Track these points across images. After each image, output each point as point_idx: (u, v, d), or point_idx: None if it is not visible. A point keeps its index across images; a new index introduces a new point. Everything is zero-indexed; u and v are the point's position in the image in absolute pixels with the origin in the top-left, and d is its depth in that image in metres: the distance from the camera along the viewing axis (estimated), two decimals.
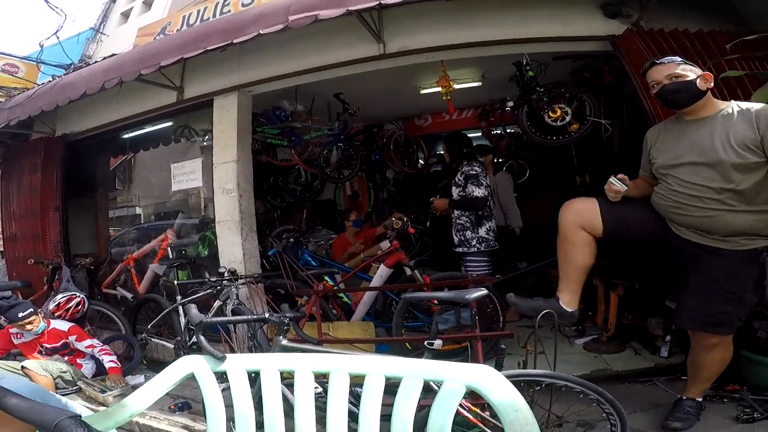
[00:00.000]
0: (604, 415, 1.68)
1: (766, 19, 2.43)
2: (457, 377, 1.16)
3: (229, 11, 4.55)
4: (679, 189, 1.86)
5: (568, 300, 1.99)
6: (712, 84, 1.87)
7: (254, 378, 1.48)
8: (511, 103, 3.57)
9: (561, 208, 2.03)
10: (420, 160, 5.70)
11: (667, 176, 1.93)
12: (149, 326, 3.58)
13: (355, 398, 1.46)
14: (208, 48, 2.88)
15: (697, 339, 2.00)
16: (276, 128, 4.31)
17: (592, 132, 3.22)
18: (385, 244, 3.60)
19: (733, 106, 1.87)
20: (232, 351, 2.92)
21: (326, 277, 3.66)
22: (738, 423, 2.03)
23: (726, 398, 2.23)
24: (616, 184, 1.96)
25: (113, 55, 3.86)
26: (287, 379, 1.48)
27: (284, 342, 1.79)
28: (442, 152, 4.23)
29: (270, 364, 1.44)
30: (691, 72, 1.85)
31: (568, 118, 3.27)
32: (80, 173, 4.69)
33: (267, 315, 1.87)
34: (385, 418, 1.25)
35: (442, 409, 1.15)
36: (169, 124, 4.35)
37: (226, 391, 1.44)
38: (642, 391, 2.48)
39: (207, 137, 3.92)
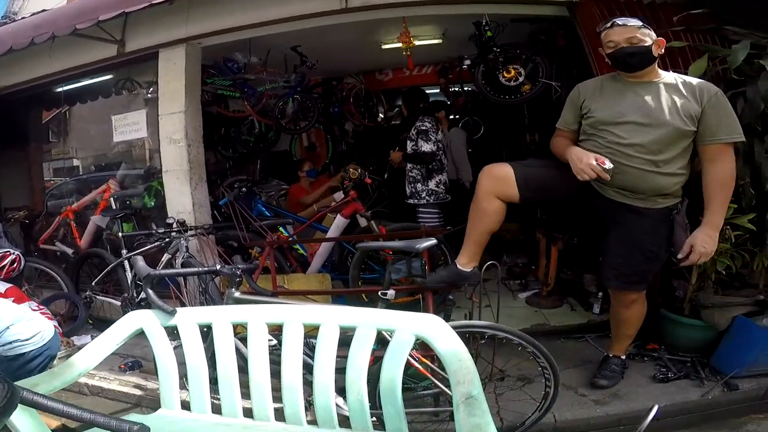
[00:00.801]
0: (540, 369, 1.78)
1: None
2: (407, 326, 1.21)
3: None
4: (615, 147, 1.89)
5: (465, 262, 2.01)
6: (663, 50, 1.91)
7: (206, 332, 1.47)
8: (468, 62, 3.57)
9: (480, 172, 2.02)
10: (380, 114, 5.63)
11: (603, 132, 1.93)
12: (93, 283, 3.42)
13: (309, 350, 1.48)
14: (153, 2, 2.64)
15: (617, 297, 2.15)
16: (228, 80, 4.08)
17: (543, 93, 3.31)
18: (339, 195, 3.60)
19: (674, 76, 1.94)
20: (183, 306, 2.86)
21: (281, 228, 3.62)
22: (654, 382, 2.22)
23: (646, 357, 2.43)
24: (608, 166, 1.82)
25: (44, 11, 3.43)
26: (240, 333, 1.49)
27: (237, 294, 1.76)
28: (400, 105, 4.19)
29: (222, 316, 1.44)
30: (648, 37, 1.88)
31: (521, 79, 3.34)
32: (9, 127, 4.30)
33: (218, 267, 1.83)
34: (340, 371, 1.29)
35: (393, 359, 1.20)
36: (109, 77, 3.99)
37: (178, 349, 1.42)
38: (575, 347, 2.67)
39: (151, 89, 3.65)
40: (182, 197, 3.28)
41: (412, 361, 1.63)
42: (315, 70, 4.26)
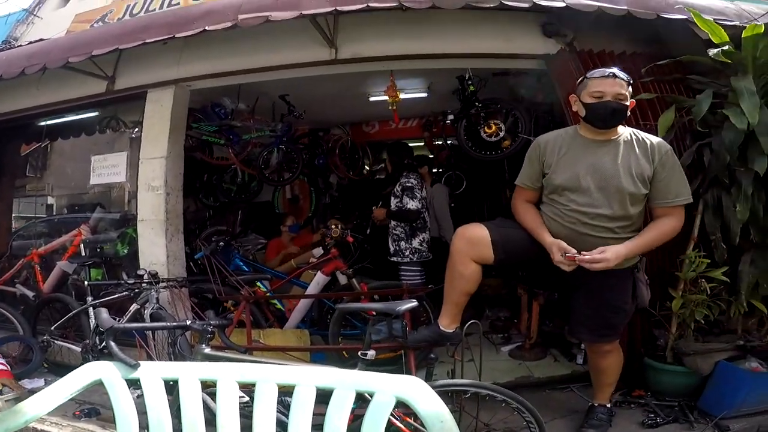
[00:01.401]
0: (525, 423, 1.76)
1: (681, 43, 2.58)
2: (387, 389, 1.16)
3: (178, 4, 4.35)
4: (575, 216, 1.87)
5: (447, 323, 1.99)
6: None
7: (173, 385, 1.38)
8: (451, 117, 3.72)
9: (454, 234, 2.00)
10: (365, 167, 5.68)
11: (562, 198, 1.91)
12: (53, 327, 3.23)
13: (284, 408, 1.40)
14: (147, 40, 2.71)
15: (592, 348, 2.15)
16: (214, 125, 4.09)
17: (522, 148, 3.34)
18: (318, 251, 3.56)
19: (633, 133, 1.93)
20: (150, 357, 2.71)
21: (258, 283, 3.52)
22: (644, 428, 2.21)
23: (633, 404, 2.42)
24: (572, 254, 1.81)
25: (41, 40, 3.54)
26: (210, 389, 1.40)
27: (207, 351, 1.68)
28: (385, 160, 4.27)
29: (189, 373, 1.35)
30: (629, 94, 1.87)
31: (501, 134, 3.44)
32: None
33: (188, 322, 1.75)
34: (318, 427, 1.21)
35: (373, 420, 1.14)
36: (95, 114, 3.99)
37: (141, 398, 1.33)
38: (560, 398, 2.63)
39: (136, 129, 3.64)
40: (156, 248, 3.19)
41: (394, 419, 1.57)
42: (302, 119, 4.30)
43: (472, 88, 3.43)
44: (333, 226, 3.40)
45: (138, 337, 2.75)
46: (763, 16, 2.39)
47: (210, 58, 3.28)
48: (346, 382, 1.23)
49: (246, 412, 1.32)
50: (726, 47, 2.20)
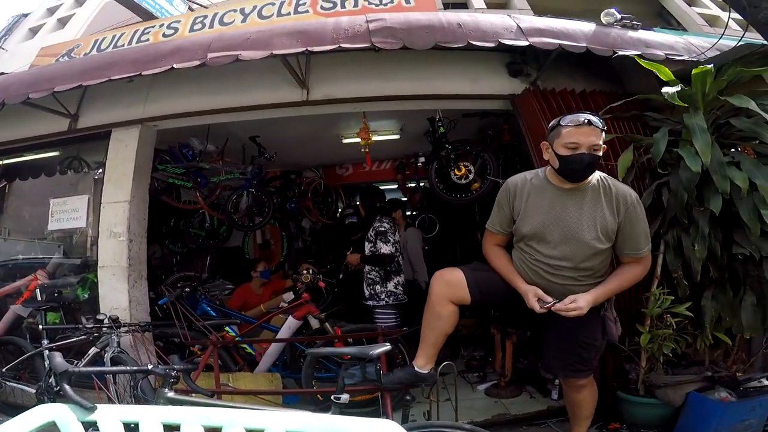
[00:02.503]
0: None
1: (636, 80, 2.71)
2: None
3: (148, 41, 4.30)
4: (540, 265, 1.88)
5: (422, 364, 1.98)
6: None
7: (134, 428, 1.29)
8: (422, 159, 3.80)
9: (432, 277, 2.03)
10: (339, 210, 5.67)
11: (528, 245, 1.91)
12: (5, 369, 3.02)
13: None
14: (112, 77, 2.66)
15: (567, 383, 2.16)
16: (181, 167, 4.00)
17: (491, 190, 3.45)
18: (288, 296, 3.48)
19: (601, 179, 1.87)
20: (110, 401, 2.53)
21: (227, 328, 3.39)
22: None
23: None
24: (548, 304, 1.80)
25: (1, 74, 3.43)
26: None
27: (170, 394, 1.59)
28: (358, 204, 4.30)
29: (150, 416, 1.27)
30: (602, 143, 1.79)
31: (471, 176, 3.52)
32: None
33: (150, 366, 1.67)
34: None
35: None
36: (56, 153, 3.87)
37: None
38: None
39: (100, 170, 3.53)
40: (118, 294, 3.06)
41: None
42: (273, 161, 4.27)
43: (442, 129, 3.53)
44: (304, 272, 3.35)
45: (96, 381, 2.58)
46: (710, 48, 2.50)
47: (178, 97, 3.25)
48: (317, 426, 1.19)
49: None
50: (678, 86, 2.28)
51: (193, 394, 1.75)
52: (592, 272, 1.87)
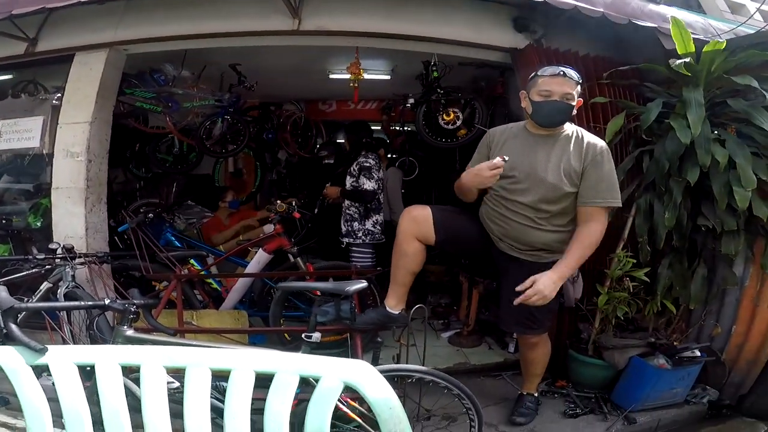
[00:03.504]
0: (465, 409, 1.79)
1: (640, 51, 2.65)
2: (335, 373, 1.10)
3: None
4: (501, 201, 1.96)
5: (393, 304, 2.01)
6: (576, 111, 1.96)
7: (91, 371, 1.24)
8: (412, 101, 3.68)
9: (401, 214, 2.05)
10: (318, 145, 5.45)
11: (496, 183, 1.94)
12: None
13: (220, 393, 1.32)
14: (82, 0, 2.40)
15: (521, 340, 2.24)
16: (151, 92, 3.73)
17: (476, 139, 3.36)
18: (269, 228, 3.38)
19: (575, 132, 1.95)
20: (64, 342, 2.42)
21: (192, 261, 3.28)
22: (565, 417, 2.36)
23: (556, 393, 2.57)
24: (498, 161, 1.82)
25: None
26: (135, 373, 1.26)
27: (129, 332, 1.53)
28: (342, 141, 4.17)
29: (107, 357, 1.20)
30: (576, 96, 1.89)
31: (459, 123, 3.47)
32: None
33: (107, 301, 1.57)
34: (259, 411, 1.13)
35: (320, 407, 1.08)
36: (9, 77, 3.51)
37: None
38: (493, 385, 2.74)
39: (59, 95, 3.19)
40: (73, 219, 2.85)
41: (340, 405, 1.53)
42: (253, 91, 4.05)
43: (435, 74, 3.42)
44: (279, 201, 3.23)
45: (48, 319, 2.44)
46: (727, 32, 2.49)
47: (155, 21, 2.96)
48: (289, 366, 1.15)
49: (176, 398, 1.21)
50: (688, 59, 2.28)
51: (154, 333, 1.68)
52: (549, 215, 1.91)
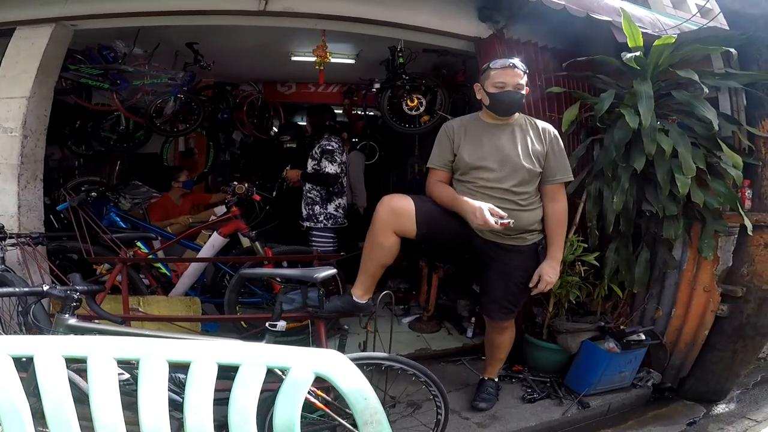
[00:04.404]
0: (431, 396, 1.79)
1: (593, 44, 2.78)
2: (304, 364, 1.05)
3: None
4: (484, 191, 1.99)
5: (360, 294, 1.99)
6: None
7: (28, 362, 1.10)
8: (377, 85, 3.67)
9: (379, 202, 1.96)
10: (275, 127, 5.32)
11: (470, 175, 2.03)
12: None
13: (177, 386, 1.25)
14: None
15: (493, 325, 2.25)
16: (98, 69, 3.46)
17: (438, 125, 3.43)
18: (221, 210, 3.23)
19: (525, 118, 2.11)
20: None
21: (139, 243, 3.08)
22: (524, 402, 2.41)
23: (513, 378, 2.63)
24: (507, 220, 1.80)
25: None
26: (79, 364, 1.14)
27: (71, 321, 1.39)
28: (303, 123, 4.06)
29: (48, 348, 1.08)
30: (525, 84, 2.01)
31: (422, 109, 3.51)
32: None
33: (46, 287, 1.42)
34: (222, 402, 1.06)
35: (289, 399, 1.02)
36: None
37: None
38: (454, 371, 2.78)
39: None
40: (4, 197, 2.61)
41: (308, 396, 1.46)
42: (209, 71, 3.88)
43: (401, 60, 3.43)
44: (237, 183, 3.08)
45: None
46: (673, 28, 2.62)
47: None
48: (255, 357, 1.07)
49: (127, 390, 1.13)
50: (638, 53, 2.39)
51: (99, 321, 1.55)
52: (528, 196, 2.03)
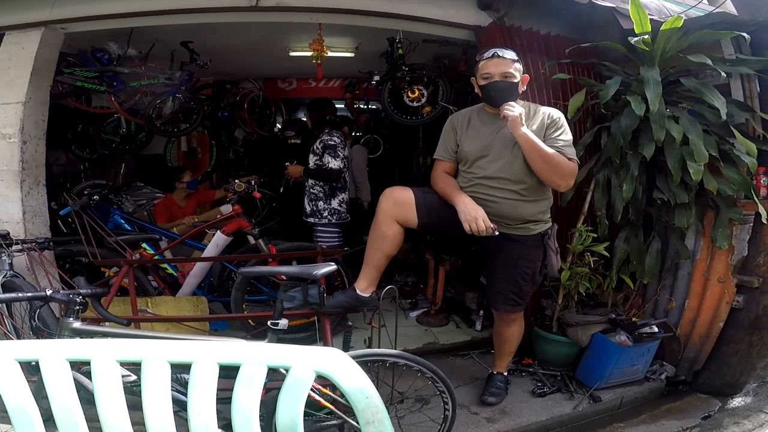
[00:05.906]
0: (438, 392, 1.78)
1: (598, 31, 2.74)
2: (305, 363, 1.04)
3: None
4: (483, 181, 1.99)
5: (364, 287, 1.98)
6: (526, 87, 2.06)
7: (35, 368, 1.12)
8: (377, 78, 3.63)
9: (381, 195, 2.00)
10: (278, 124, 5.29)
11: (473, 165, 2.03)
12: None
13: (182, 385, 1.24)
14: None
15: (501, 317, 2.24)
16: (93, 71, 3.45)
17: (440, 117, 3.41)
18: (226, 208, 3.22)
19: (531, 107, 2.06)
20: (7, 337, 2.22)
21: (145, 245, 3.08)
22: (534, 396, 2.37)
23: (524, 372, 2.60)
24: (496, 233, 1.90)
25: None
26: (86, 366, 1.15)
27: (75, 325, 1.39)
28: (305, 119, 4.04)
29: (51, 352, 1.08)
30: (518, 72, 1.97)
31: (423, 100, 3.48)
32: None
33: (49, 291, 1.43)
34: (224, 401, 1.06)
35: (291, 399, 1.01)
36: None
37: None
38: (463, 365, 2.75)
39: None
40: (8, 204, 2.63)
41: (312, 393, 1.47)
42: (207, 69, 3.83)
43: (401, 51, 3.37)
44: (237, 180, 3.07)
45: None
46: (680, 14, 2.50)
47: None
48: (255, 357, 1.07)
49: (134, 391, 1.11)
50: (645, 37, 2.33)
51: (105, 323, 1.55)
52: (528, 186, 1.99)
